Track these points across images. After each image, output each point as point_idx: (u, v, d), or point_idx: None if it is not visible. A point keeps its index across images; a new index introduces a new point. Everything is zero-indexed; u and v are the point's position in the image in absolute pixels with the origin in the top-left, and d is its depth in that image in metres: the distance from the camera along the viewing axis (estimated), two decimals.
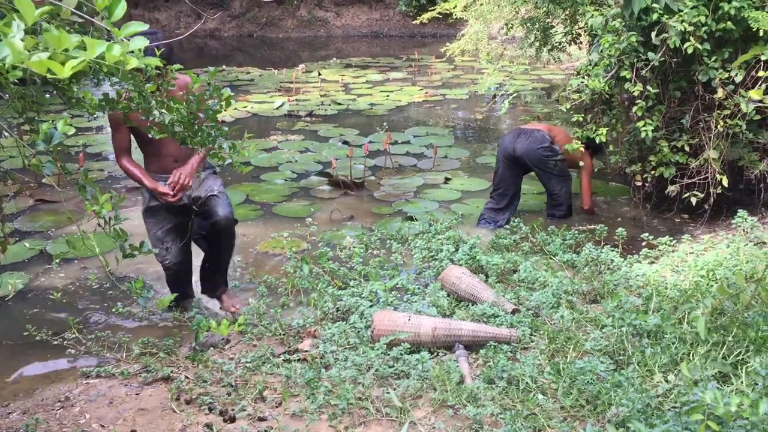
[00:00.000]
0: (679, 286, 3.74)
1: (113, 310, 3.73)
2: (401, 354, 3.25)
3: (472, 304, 3.77)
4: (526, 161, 5.41)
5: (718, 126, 4.64)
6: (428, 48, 15.42)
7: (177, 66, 2.14)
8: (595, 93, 4.80)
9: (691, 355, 2.95)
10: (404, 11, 18.12)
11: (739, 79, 4.40)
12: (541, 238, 4.71)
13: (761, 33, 4.00)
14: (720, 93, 4.51)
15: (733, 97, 4.51)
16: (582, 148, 5.27)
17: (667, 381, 2.79)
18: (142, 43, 1.35)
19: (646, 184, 5.17)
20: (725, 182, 4.74)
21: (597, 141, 5.42)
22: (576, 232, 4.78)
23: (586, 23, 5.37)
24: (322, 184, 6.52)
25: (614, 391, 2.71)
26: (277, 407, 2.98)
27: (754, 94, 1.92)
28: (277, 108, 9.72)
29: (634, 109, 4.68)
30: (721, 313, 3.17)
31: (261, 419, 2.90)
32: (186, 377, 3.24)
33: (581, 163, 5.50)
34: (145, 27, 1.38)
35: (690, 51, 4.39)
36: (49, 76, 1.83)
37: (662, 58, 4.57)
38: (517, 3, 7.52)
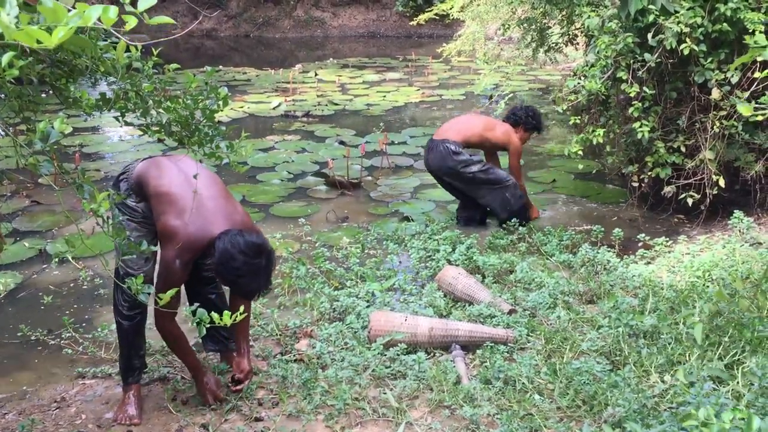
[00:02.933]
0: (675, 287, 3.75)
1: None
2: (398, 354, 3.25)
3: (469, 305, 3.77)
4: (444, 178, 5.16)
5: (714, 127, 4.65)
6: (425, 48, 15.42)
7: (174, 65, 2.14)
8: (592, 94, 4.81)
9: (687, 355, 2.96)
10: (401, 12, 18.14)
11: (735, 80, 4.41)
12: (537, 238, 4.72)
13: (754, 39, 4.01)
14: (716, 94, 4.52)
15: (729, 98, 4.52)
16: (518, 132, 5.11)
17: (663, 381, 2.79)
18: (150, 2, 1.32)
19: (643, 185, 5.18)
20: (721, 183, 4.75)
21: (528, 116, 5.11)
22: (572, 232, 4.79)
23: (582, 24, 5.38)
24: (319, 184, 6.51)
25: (610, 391, 2.72)
26: (273, 407, 2.97)
27: (744, 110, 1.93)
28: (273, 108, 9.72)
29: (631, 110, 4.69)
30: (718, 313, 3.18)
31: (257, 419, 2.89)
32: (182, 378, 3.23)
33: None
34: None
35: (686, 52, 4.40)
36: (42, 71, 1.83)
37: (658, 59, 4.58)
38: (514, 3, 7.53)
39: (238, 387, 2.98)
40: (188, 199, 2.69)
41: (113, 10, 1.18)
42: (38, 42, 1.09)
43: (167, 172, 2.82)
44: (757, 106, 2.25)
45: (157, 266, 2.93)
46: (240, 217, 2.84)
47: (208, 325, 2.08)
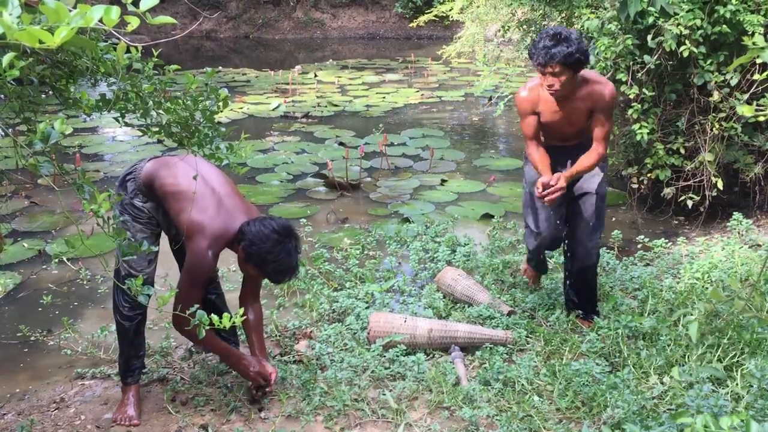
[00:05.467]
0: (674, 289, 3.75)
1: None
2: (397, 356, 3.25)
3: (468, 306, 3.77)
4: None
5: (714, 129, 4.66)
6: (424, 50, 15.43)
7: (174, 66, 2.14)
8: None
9: (686, 357, 2.96)
10: (401, 13, 18.14)
11: (734, 82, 4.42)
12: None
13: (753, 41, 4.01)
14: (715, 96, 4.53)
15: (728, 100, 4.53)
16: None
17: (662, 383, 2.80)
18: (152, 2, 1.32)
19: (642, 187, 5.18)
20: (720, 185, 4.75)
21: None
22: None
23: (582, 26, 5.38)
24: (318, 185, 6.51)
25: (610, 392, 2.72)
26: (272, 408, 2.97)
27: (747, 110, 1.92)
28: (273, 109, 9.72)
29: (630, 111, 4.70)
30: (717, 315, 3.18)
31: (260, 409, 2.90)
32: (181, 378, 3.23)
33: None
34: None
35: (685, 54, 4.41)
36: (42, 72, 1.83)
37: (658, 61, 4.59)
38: (513, 5, 7.54)
39: (267, 391, 2.98)
40: (207, 197, 2.74)
41: (115, 11, 1.18)
42: (40, 42, 1.09)
43: (179, 171, 2.81)
44: (758, 106, 2.24)
45: (158, 268, 2.95)
46: (256, 213, 2.90)
47: (208, 327, 2.07)
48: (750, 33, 4.20)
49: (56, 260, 1.99)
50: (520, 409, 2.80)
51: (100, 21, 1.15)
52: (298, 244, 2.82)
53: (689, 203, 4.88)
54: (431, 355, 3.38)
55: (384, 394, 2.98)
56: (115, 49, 1.85)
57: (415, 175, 6.81)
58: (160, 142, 6.94)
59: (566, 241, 3.56)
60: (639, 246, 4.57)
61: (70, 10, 1.13)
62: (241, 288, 3.08)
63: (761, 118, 2.46)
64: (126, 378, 3.02)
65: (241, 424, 2.85)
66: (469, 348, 3.39)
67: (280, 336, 3.58)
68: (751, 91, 4.42)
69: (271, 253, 2.69)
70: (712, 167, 4.75)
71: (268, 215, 2.83)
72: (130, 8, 1.39)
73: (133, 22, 1.30)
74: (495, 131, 9.07)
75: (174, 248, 3.15)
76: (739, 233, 4.49)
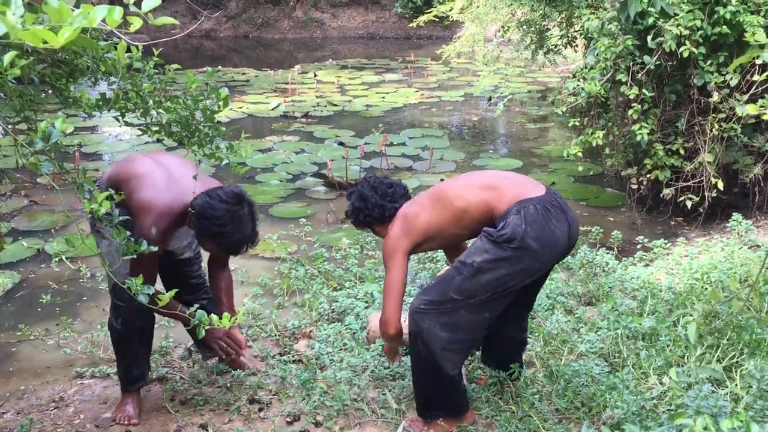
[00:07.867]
0: (673, 289, 3.75)
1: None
2: None
3: None
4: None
5: (713, 129, 4.66)
6: (424, 50, 15.44)
7: (175, 65, 2.14)
8: (591, 96, 4.81)
9: (685, 357, 2.96)
10: (400, 13, 18.16)
11: (734, 83, 4.42)
12: None
13: (754, 38, 4.01)
14: (715, 97, 4.54)
15: (728, 100, 4.53)
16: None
17: (661, 383, 2.80)
18: (154, 2, 1.31)
19: (642, 187, 5.19)
20: (720, 185, 4.76)
21: None
22: None
23: (582, 26, 5.39)
24: (318, 185, 6.51)
25: (609, 393, 2.72)
26: (272, 408, 2.97)
27: (751, 109, 1.91)
28: (272, 109, 9.72)
29: (630, 112, 4.70)
30: (716, 316, 3.18)
31: (260, 409, 2.90)
32: (181, 378, 3.23)
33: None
34: None
35: (685, 55, 4.41)
36: (43, 71, 1.83)
37: (658, 62, 4.59)
38: (513, 5, 7.54)
39: (237, 358, 2.99)
40: (159, 176, 2.64)
41: (118, 12, 1.18)
42: (44, 42, 1.09)
43: (136, 160, 2.78)
44: (761, 107, 2.25)
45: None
46: (216, 185, 2.74)
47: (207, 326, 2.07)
48: (751, 34, 4.21)
49: (56, 259, 1.98)
50: (519, 409, 2.80)
51: (103, 21, 1.15)
52: (252, 210, 2.65)
53: (689, 204, 4.88)
54: None
55: (384, 394, 2.98)
56: (115, 48, 1.85)
57: (414, 175, 6.81)
58: (159, 141, 6.93)
59: None
60: (638, 246, 4.57)
61: (73, 10, 1.13)
62: (209, 256, 3.00)
63: (765, 117, 2.46)
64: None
65: (241, 424, 2.85)
66: None
67: (279, 335, 3.58)
68: (751, 91, 4.42)
69: (219, 224, 2.53)
70: (711, 168, 4.76)
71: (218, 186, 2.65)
72: (132, 8, 1.39)
73: (136, 23, 1.30)
74: (494, 131, 9.06)
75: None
76: (738, 234, 4.50)
